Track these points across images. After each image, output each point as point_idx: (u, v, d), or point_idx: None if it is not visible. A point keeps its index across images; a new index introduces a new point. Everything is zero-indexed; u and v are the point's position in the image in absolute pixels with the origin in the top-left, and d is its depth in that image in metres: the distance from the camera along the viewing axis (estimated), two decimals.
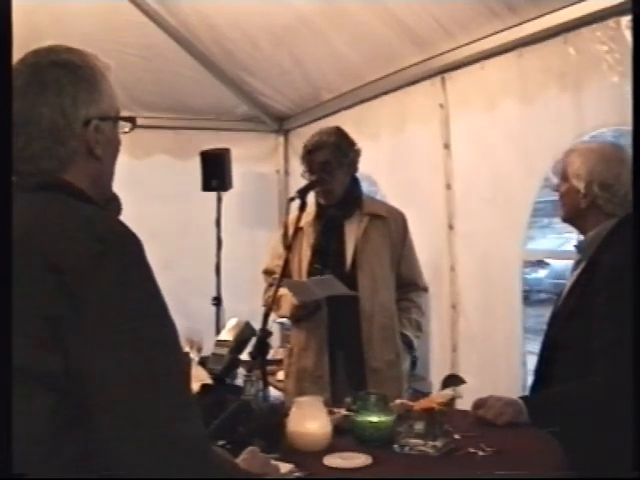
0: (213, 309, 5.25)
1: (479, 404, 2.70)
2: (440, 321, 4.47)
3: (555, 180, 2.97)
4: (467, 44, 4.02)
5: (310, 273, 3.76)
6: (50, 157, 1.60)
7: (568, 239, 10.57)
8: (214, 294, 5.27)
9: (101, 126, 1.65)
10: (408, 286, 3.89)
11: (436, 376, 4.39)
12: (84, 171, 1.64)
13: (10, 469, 1.34)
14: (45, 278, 1.39)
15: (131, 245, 1.49)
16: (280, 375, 4.52)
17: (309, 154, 3.73)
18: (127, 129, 1.79)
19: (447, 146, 4.36)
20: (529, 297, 4.63)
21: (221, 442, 2.12)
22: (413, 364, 3.99)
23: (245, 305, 4.42)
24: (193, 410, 1.50)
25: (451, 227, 4.36)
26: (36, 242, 1.42)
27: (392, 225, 3.82)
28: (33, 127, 1.58)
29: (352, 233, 3.78)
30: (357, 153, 3.81)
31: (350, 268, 3.74)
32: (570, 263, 2.99)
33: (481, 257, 4.15)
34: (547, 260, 14.21)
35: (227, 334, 2.67)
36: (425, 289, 4.01)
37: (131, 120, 1.79)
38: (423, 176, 4.63)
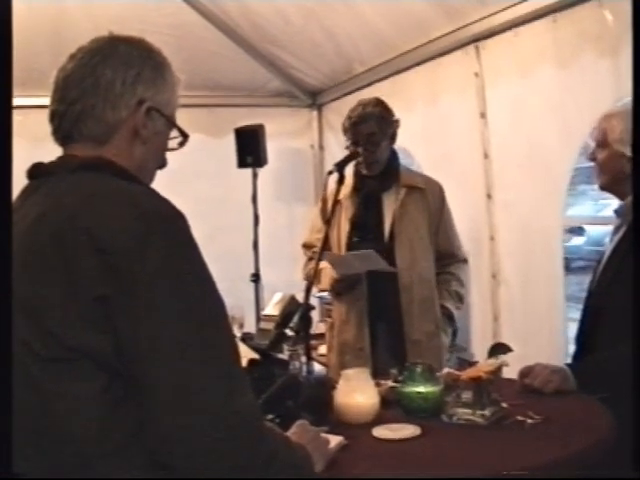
0: (252, 285, 5.27)
1: (525, 372, 2.71)
2: (481, 291, 4.45)
3: (593, 146, 2.92)
4: (499, 11, 3.97)
5: (349, 246, 3.78)
6: (97, 117, 1.59)
7: (605, 205, 10.51)
8: (252, 270, 5.29)
9: (153, 114, 1.65)
10: (447, 258, 3.90)
11: (478, 346, 4.40)
12: (128, 151, 1.64)
13: (10, 469, 1.35)
14: (92, 259, 1.39)
15: (177, 223, 1.49)
16: (322, 349, 4.53)
17: (355, 125, 3.71)
18: (176, 145, 1.77)
19: (483, 115, 4.32)
20: (568, 265, 4.60)
21: (270, 416, 2.13)
22: (454, 334, 3.98)
23: (283, 280, 4.43)
24: (245, 384, 1.51)
25: (489, 196, 4.33)
26: (82, 224, 1.43)
27: (429, 196, 3.82)
28: (89, 82, 1.59)
29: (390, 205, 3.79)
30: (397, 124, 3.82)
31: (388, 240, 3.75)
32: (608, 229, 2.96)
33: (521, 226, 4.12)
34: (584, 227, 14.08)
35: (273, 309, 2.69)
36: (464, 260, 4.01)
37: (184, 135, 1.77)
38: (460, 146, 4.59)
